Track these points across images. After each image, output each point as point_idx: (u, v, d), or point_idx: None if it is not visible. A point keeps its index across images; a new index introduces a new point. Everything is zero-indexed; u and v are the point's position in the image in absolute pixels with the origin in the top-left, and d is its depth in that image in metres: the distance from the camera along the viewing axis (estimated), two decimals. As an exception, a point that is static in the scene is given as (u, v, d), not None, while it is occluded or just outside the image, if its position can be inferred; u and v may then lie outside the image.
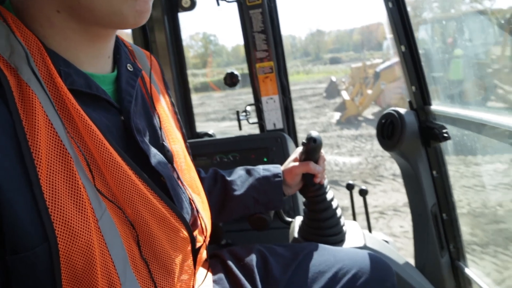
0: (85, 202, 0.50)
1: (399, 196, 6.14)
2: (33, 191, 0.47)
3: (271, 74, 1.58)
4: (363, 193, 1.45)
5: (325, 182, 1.10)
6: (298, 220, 1.24)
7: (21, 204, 0.45)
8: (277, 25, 1.60)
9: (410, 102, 1.26)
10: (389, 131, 1.22)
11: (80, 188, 0.50)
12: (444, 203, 1.31)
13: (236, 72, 1.68)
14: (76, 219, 0.49)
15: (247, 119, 1.67)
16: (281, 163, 1.13)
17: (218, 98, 18.35)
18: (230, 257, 0.94)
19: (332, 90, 14.26)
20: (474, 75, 1.54)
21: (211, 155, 1.63)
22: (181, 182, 0.72)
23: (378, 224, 4.57)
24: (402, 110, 1.21)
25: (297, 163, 1.06)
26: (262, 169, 1.08)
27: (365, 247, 1.11)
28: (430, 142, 1.21)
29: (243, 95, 16.06)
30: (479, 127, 1.03)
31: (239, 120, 1.66)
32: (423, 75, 1.19)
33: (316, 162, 1.05)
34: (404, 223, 4.71)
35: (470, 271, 1.32)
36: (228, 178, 1.06)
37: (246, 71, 1.67)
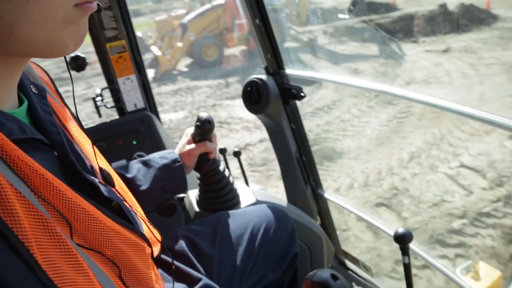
0: (83, 264, 0.48)
1: (229, 141, 6.63)
2: (38, 276, 0.41)
3: (124, 53, 1.53)
4: (237, 154, 1.61)
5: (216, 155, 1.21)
6: (192, 195, 1.33)
7: None
8: (123, 0, 1.52)
9: (266, 68, 1.44)
10: (255, 97, 1.38)
11: (73, 250, 0.48)
12: (302, 148, 1.59)
13: (82, 55, 1.55)
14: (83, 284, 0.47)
15: (104, 105, 1.59)
16: (152, 143, 1.17)
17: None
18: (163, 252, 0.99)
19: (140, 46, 13.74)
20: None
21: None
22: (124, 199, 0.72)
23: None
24: (263, 77, 1.38)
25: (193, 145, 1.12)
26: (159, 158, 1.10)
27: (258, 202, 1.29)
28: (288, 101, 1.43)
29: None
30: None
31: (97, 107, 1.56)
32: (276, 44, 1.38)
33: (210, 140, 1.13)
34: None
35: (327, 194, 1.67)
36: (129, 176, 1.06)
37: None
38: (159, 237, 0.79)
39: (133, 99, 1.56)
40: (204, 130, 1.08)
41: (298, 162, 1.59)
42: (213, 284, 0.94)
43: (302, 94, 1.37)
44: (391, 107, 7.37)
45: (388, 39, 11.72)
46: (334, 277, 0.49)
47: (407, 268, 1.04)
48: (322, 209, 1.78)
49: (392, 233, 1.22)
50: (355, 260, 1.76)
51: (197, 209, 1.24)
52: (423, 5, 15.04)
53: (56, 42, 0.49)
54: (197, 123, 1.08)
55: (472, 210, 4.14)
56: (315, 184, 1.71)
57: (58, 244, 0.46)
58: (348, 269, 1.76)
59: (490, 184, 4.60)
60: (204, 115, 1.08)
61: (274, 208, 1.16)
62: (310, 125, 6.46)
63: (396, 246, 0.98)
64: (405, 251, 0.99)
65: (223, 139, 6.64)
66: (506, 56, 9.38)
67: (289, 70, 1.44)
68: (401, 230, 1.01)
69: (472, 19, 12.62)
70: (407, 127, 6.56)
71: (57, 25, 0.47)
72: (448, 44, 10.82)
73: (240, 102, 8.42)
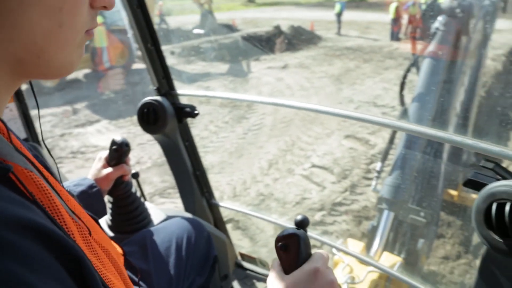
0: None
1: (86, 172, 6.18)
2: None
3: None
4: (135, 176, 1.61)
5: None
6: (101, 221, 1.31)
7: None
8: None
9: (158, 89, 1.50)
10: (153, 117, 1.43)
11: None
12: (196, 163, 1.69)
13: None
14: None
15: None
16: None
17: None
18: None
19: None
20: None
21: None
22: None
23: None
24: (158, 98, 1.44)
25: (110, 169, 1.12)
26: (73, 186, 1.07)
27: (168, 217, 1.35)
28: (182, 119, 1.52)
29: None
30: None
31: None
32: (167, 67, 1.46)
33: (126, 163, 1.15)
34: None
35: (221, 202, 1.81)
36: None
37: None
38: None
39: (13, 130, 1.42)
40: (122, 153, 1.09)
41: (193, 176, 1.68)
42: None
43: (196, 112, 1.47)
44: (245, 121, 7.92)
45: (233, 57, 12.54)
46: (297, 229, 0.63)
47: None
48: (217, 217, 1.90)
49: (286, 224, 1.41)
50: (251, 259, 1.92)
51: (111, 233, 1.23)
52: (259, 26, 16.60)
53: (68, 63, 0.51)
54: (114, 147, 1.08)
55: (328, 202, 4.78)
56: (209, 195, 1.82)
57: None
58: (247, 269, 1.91)
59: (337, 178, 5.38)
60: (119, 138, 1.09)
61: (189, 219, 1.24)
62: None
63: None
64: None
65: (78, 170, 6.16)
66: (332, 70, 11.04)
67: (180, 90, 1.53)
68: (299, 216, 1.19)
69: (302, 39, 14.47)
70: (262, 137, 7.15)
71: (74, 49, 0.49)
72: (286, 61, 12.19)
73: (92, 128, 7.93)
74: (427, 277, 3.62)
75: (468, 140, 1.05)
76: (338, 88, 9.49)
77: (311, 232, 1.52)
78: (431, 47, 3.65)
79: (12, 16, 0.41)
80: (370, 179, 5.35)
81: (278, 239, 0.61)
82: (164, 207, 1.48)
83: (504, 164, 0.86)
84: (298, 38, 14.45)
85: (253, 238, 4.16)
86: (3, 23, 0.41)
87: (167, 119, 1.43)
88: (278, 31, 14.28)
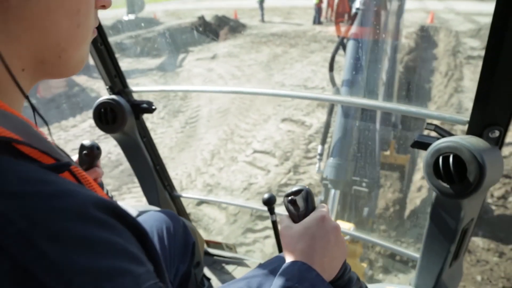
0: None
1: None
2: None
3: None
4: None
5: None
6: None
7: None
8: None
9: (111, 88, 1.49)
10: (111, 116, 1.43)
11: None
12: (155, 158, 1.71)
13: None
14: None
15: None
16: None
17: None
18: None
19: None
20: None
21: None
22: None
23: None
24: (114, 96, 1.44)
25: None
26: None
27: (140, 213, 1.38)
28: (139, 116, 1.53)
29: None
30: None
31: None
32: (118, 65, 1.46)
33: (97, 165, 1.15)
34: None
35: (183, 193, 1.86)
36: None
37: None
38: None
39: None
40: (93, 156, 1.08)
41: (155, 170, 1.70)
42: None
43: (154, 107, 1.49)
44: (181, 114, 7.85)
45: (160, 52, 12.25)
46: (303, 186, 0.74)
47: (274, 224, 1.32)
48: (180, 209, 1.94)
49: (252, 206, 1.50)
50: (218, 245, 1.99)
51: None
52: (182, 17, 16.32)
53: (81, 61, 0.53)
54: (85, 151, 1.07)
55: (274, 184, 4.96)
56: (170, 188, 1.85)
57: None
58: (214, 255, 1.98)
59: (279, 160, 5.59)
60: (87, 142, 1.08)
61: (163, 211, 1.27)
62: (108, 148, 6.24)
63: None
64: (271, 211, 1.25)
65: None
66: (260, 57, 11.25)
67: (134, 87, 1.53)
68: (266, 195, 1.27)
69: (227, 28, 14.50)
70: (201, 129, 7.16)
71: (86, 46, 0.52)
72: (214, 51, 12.18)
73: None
74: (379, 231, 3.96)
75: (401, 106, 1.23)
76: (269, 74, 9.72)
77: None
78: (354, 28, 3.89)
79: (39, 21, 0.44)
80: (311, 158, 5.62)
81: (288, 195, 0.71)
82: (132, 203, 1.50)
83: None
84: (223, 27, 14.45)
85: (207, 228, 4.21)
86: (31, 28, 0.44)
87: (125, 117, 1.44)
88: (202, 21, 14.16)
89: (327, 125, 4.01)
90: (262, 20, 16.65)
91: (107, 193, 1.24)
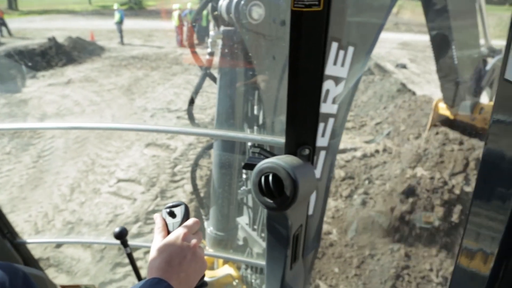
0: None
1: None
2: None
3: None
4: None
5: None
6: None
7: None
8: None
9: None
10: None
11: None
12: None
13: None
14: None
15: None
16: None
17: None
18: None
19: None
20: None
21: None
22: None
23: None
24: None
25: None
26: None
27: None
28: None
29: None
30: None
31: None
32: None
33: None
34: None
35: (28, 239, 1.73)
36: None
37: None
38: None
39: None
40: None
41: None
42: None
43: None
44: (32, 147, 7.09)
45: (2, 77, 10.89)
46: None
47: (130, 256, 1.34)
48: (26, 257, 1.77)
49: (107, 241, 1.48)
50: (76, 287, 1.88)
51: None
52: (29, 38, 14.77)
53: None
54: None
55: (141, 212, 4.82)
56: (11, 235, 1.69)
57: None
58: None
59: (146, 187, 5.46)
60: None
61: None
62: None
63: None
64: (125, 244, 1.27)
65: None
66: (121, 80, 10.85)
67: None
68: (117, 229, 1.28)
69: (83, 50, 13.61)
70: (56, 162, 6.55)
71: None
72: (68, 76, 11.30)
73: None
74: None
75: (239, 134, 1.37)
76: (130, 98, 9.44)
77: (134, 242, 1.61)
78: (216, 57, 4.00)
79: None
80: (178, 181, 5.63)
81: (168, 207, 0.82)
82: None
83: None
84: (79, 50, 13.55)
85: (70, 271, 3.87)
86: None
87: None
88: (54, 43, 13.03)
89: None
90: (122, 43, 16.12)
91: None
